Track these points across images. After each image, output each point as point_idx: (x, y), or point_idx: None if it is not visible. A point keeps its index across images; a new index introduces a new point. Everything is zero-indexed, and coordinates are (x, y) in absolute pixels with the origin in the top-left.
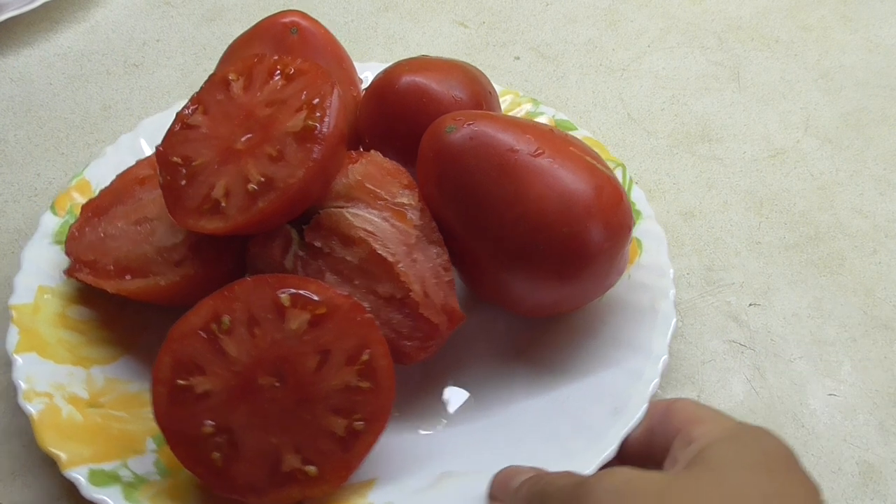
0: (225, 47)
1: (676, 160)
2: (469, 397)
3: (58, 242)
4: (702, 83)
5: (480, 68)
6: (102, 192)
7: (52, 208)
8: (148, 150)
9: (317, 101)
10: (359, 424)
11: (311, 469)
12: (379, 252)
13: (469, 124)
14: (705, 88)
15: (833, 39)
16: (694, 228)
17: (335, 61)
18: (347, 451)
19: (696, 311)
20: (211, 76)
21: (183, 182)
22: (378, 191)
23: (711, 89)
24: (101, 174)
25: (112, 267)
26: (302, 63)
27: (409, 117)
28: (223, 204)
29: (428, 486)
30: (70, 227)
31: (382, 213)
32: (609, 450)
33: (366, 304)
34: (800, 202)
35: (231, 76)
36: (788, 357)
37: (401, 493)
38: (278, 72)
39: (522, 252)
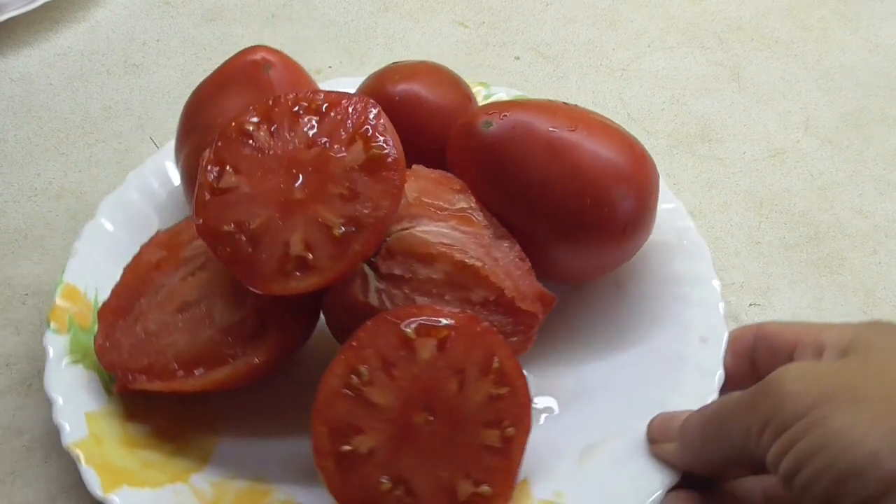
0: (225, 47)
1: (676, 160)
2: (557, 380)
3: (78, 361)
4: (702, 83)
5: (480, 68)
6: (115, 290)
7: (50, 326)
8: (116, 233)
9: (367, 128)
10: (509, 430)
11: (485, 489)
12: (463, 261)
13: (504, 115)
14: (705, 88)
15: (833, 39)
16: None
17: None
18: (508, 458)
19: None
20: (222, 132)
21: (249, 249)
22: (437, 202)
23: (711, 89)
24: (84, 273)
25: (175, 365)
26: (327, 94)
27: (404, 125)
28: (310, 257)
29: (578, 464)
30: (94, 340)
31: (448, 222)
32: (719, 373)
33: (456, 312)
34: (800, 202)
35: (248, 126)
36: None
37: (561, 480)
38: (300, 109)
39: (583, 222)
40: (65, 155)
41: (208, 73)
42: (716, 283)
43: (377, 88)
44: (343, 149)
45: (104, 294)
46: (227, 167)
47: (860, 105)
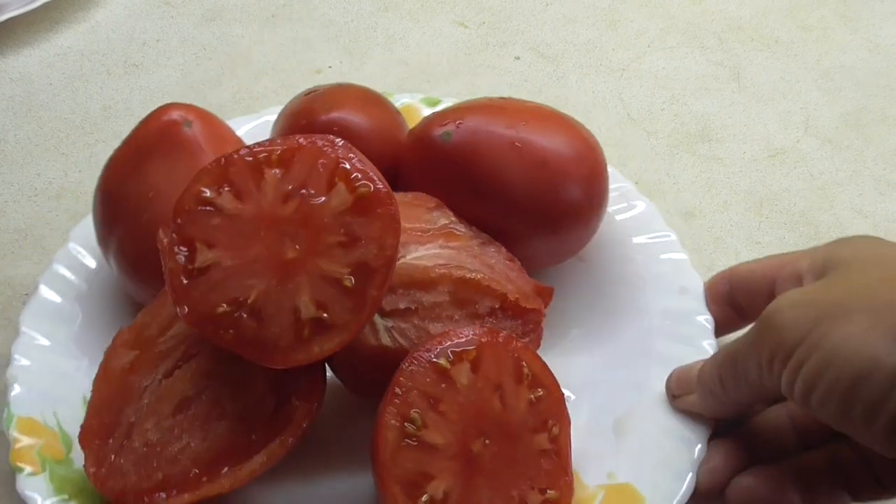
0: (225, 47)
1: (676, 160)
2: (562, 368)
3: (68, 501)
4: (702, 83)
5: (480, 68)
6: (91, 408)
7: (21, 471)
8: (49, 344)
9: (343, 166)
10: (555, 429)
11: (551, 494)
12: (463, 276)
13: (459, 123)
14: (705, 88)
15: (833, 39)
16: (694, 228)
17: (236, 144)
18: (560, 456)
19: None
20: (178, 207)
21: (254, 325)
22: (418, 225)
23: (711, 89)
24: (33, 398)
25: (196, 470)
26: (284, 141)
27: None
28: (326, 316)
29: (616, 440)
30: (85, 470)
31: (436, 242)
32: (706, 316)
33: (475, 330)
34: (800, 202)
35: (206, 194)
36: None
37: (607, 460)
38: (260, 163)
39: (554, 212)
40: (65, 155)
41: (209, 72)
42: (673, 235)
43: (307, 118)
44: (324, 195)
45: (66, 414)
46: (197, 244)
47: (860, 105)
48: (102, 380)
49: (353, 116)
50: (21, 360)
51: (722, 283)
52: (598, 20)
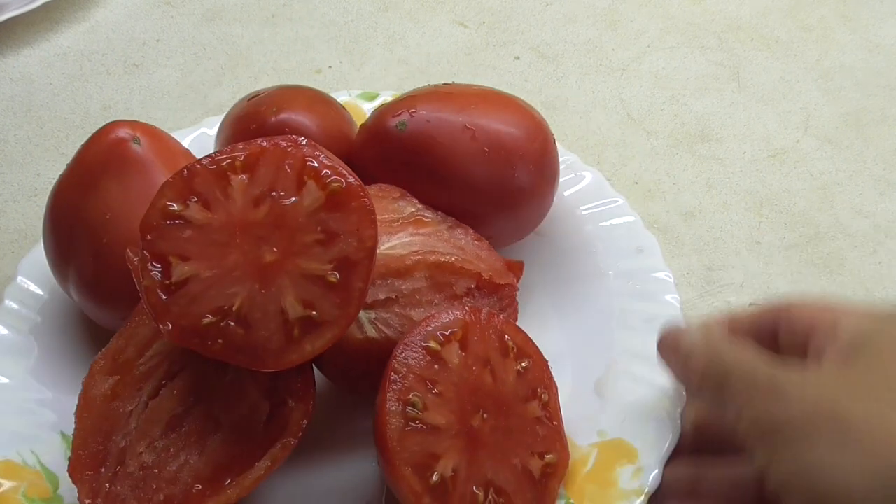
0: (225, 47)
1: (676, 160)
2: (538, 338)
3: None
4: (702, 83)
5: (480, 68)
6: (76, 441)
7: None
8: (8, 383)
9: (310, 164)
10: (544, 396)
11: (550, 458)
12: (438, 261)
13: (412, 112)
14: (705, 88)
15: (833, 39)
16: (694, 228)
17: (187, 159)
18: (553, 420)
19: (696, 311)
20: (144, 224)
21: (242, 332)
22: (386, 216)
23: (711, 89)
24: (2, 441)
25: (199, 485)
26: (245, 147)
27: None
28: (314, 314)
29: (600, 400)
30: (80, 503)
31: (406, 230)
32: (666, 272)
33: (458, 310)
34: (800, 202)
35: (173, 207)
36: None
37: (595, 420)
38: (224, 171)
39: (512, 190)
40: (65, 155)
41: (208, 72)
42: (621, 199)
43: (256, 122)
44: (295, 195)
45: (45, 451)
46: (171, 258)
47: (860, 105)
48: (84, 409)
49: (302, 116)
50: None
51: (772, 315)
52: (598, 20)
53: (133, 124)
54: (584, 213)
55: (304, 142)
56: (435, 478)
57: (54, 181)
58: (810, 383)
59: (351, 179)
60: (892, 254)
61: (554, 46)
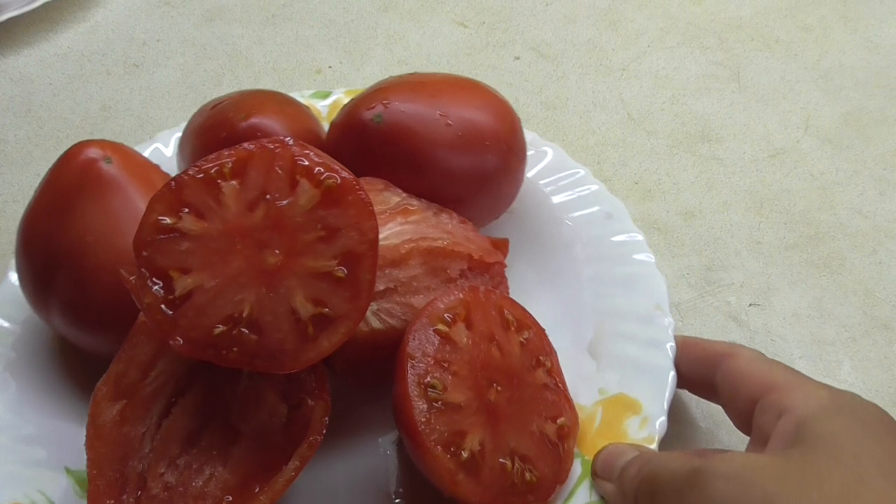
0: (225, 47)
1: (676, 160)
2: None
3: None
4: (702, 83)
5: (480, 68)
6: (92, 472)
7: None
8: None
9: (301, 163)
10: (548, 363)
11: (562, 421)
12: (430, 246)
13: (387, 103)
14: (705, 88)
15: (833, 39)
16: (694, 228)
17: (159, 174)
18: (559, 385)
19: (696, 311)
20: (138, 241)
21: (256, 338)
22: (375, 207)
23: (711, 89)
24: (6, 487)
25: (230, 497)
26: (232, 152)
27: None
28: (326, 310)
29: (596, 361)
30: None
31: (395, 220)
32: (639, 237)
33: (458, 291)
34: (800, 202)
35: (166, 221)
36: (788, 357)
37: (593, 380)
38: (214, 179)
39: (488, 174)
40: None
41: (208, 72)
42: (582, 169)
43: (226, 129)
44: (289, 195)
45: (52, 488)
46: (172, 273)
47: (860, 105)
48: (95, 438)
49: (271, 120)
50: None
51: (711, 362)
52: (598, 20)
53: (101, 143)
54: (551, 186)
55: (291, 141)
56: (465, 454)
57: None
58: (742, 470)
59: (344, 174)
60: (892, 254)
61: (554, 46)
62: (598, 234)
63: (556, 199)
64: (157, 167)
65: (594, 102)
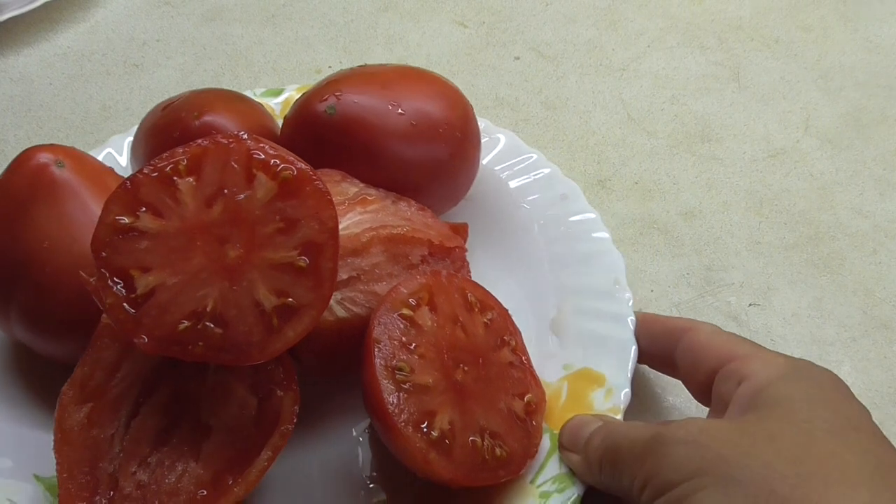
0: (225, 47)
1: (676, 160)
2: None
3: None
4: (702, 83)
5: (480, 68)
6: (62, 475)
7: None
8: None
9: (256, 156)
10: (512, 342)
11: (530, 397)
12: (390, 233)
13: (339, 95)
14: (705, 88)
15: (833, 39)
16: (694, 228)
17: (113, 176)
18: (523, 363)
19: (695, 311)
20: (96, 241)
21: (221, 331)
22: (334, 198)
23: (711, 89)
24: None
25: (205, 491)
26: (186, 149)
27: None
28: (290, 300)
29: (559, 338)
30: None
31: (353, 210)
32: (590, 213)
33: (421, 276)
34: (800, 202)
35: (123, 220)
36: None
37: (558, 356)
38: (169, 176)
39: (442, 163)
40: None
41: (208, 72)
42: (535, 154)
43: (179, 128)
44: (246, 189)
45: (21, 497)
46: (132, 272)
47: (860, 105)
48: (63, 443)
49: (224, 117)
50: None
51: (672, 335)
52: (598, 20)
53: (52, 148)
54: (506, 172)
55: (245, 135)
56: (435, 433)
57: None
58: (698, 434)
59: (301, 165)
60: (892, 254)
61: (554, 46)
62: (554, 215)
63: (512, 184)
64: (111, 170)
65: (594, 102)
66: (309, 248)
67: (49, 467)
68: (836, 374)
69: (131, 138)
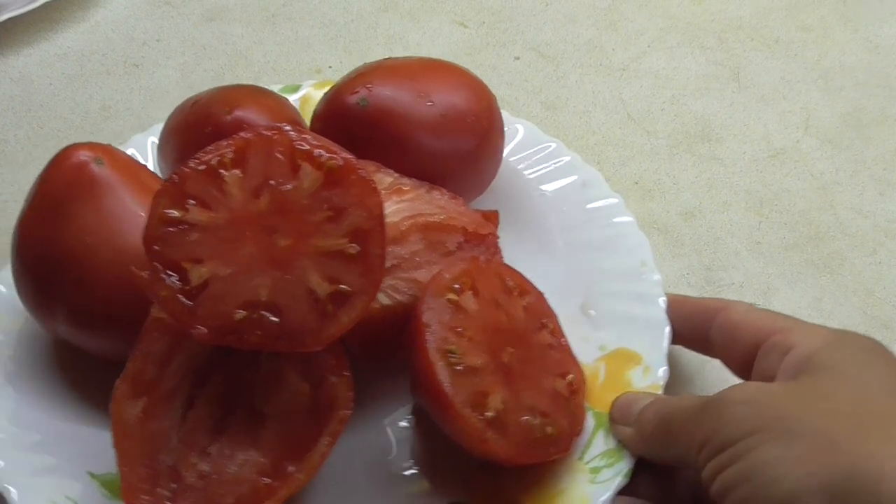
0: (225, 47)
1: (676, 160)
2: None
3: None
4: (702, 83)
5: (480, 68)
6: (123, 470)
7: None
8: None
9: (301, 147)
10: (550, 324)
11: (571, 377)
12: (428, 221)
13: (370, 87)
14: (705, 88)
15: (833, 39)
16: (694, 228)
17: (148, 173)
18: (563, 345)
19: None
20: (147, 236)
21: (276, 319)
22: None
23: (711, 89)
24: (29, 497)
25: (266, 479)
26: (231, 142)
27: None
28: (342, 286)
29: (590, 321)
30: None
31: (390, 199)
32: (616, 200)
33: (461, 262)
34: (800, 202)
35: (173, 214)
36: None
37: (592, 340)
38: (216, 169)
39: (471, 154)
40: None
41: (208, 72)
42: (554, 142)
43: (211, 124)
44: (292, 179)
45: (77, 491)
46: (185, 264)
47: (860, 105)
48: (121, 436)
49: (255, 112)
50: None
51: (707, 313)
52: (598, 20)
53: (91, 146)
54: (526, 161)
55: (287, 127)
56: (490, 413)
57: None
58: (756, 394)
59: (345, 154)
60: (892, 254)
61: (554, 46)
62: (576, 202)
63: (533, 172)
64: (144, 167)
65: (594, 102)
66: (357, 235)
67: (100, 464)
68: (880, 342)
69: (153, 138)
